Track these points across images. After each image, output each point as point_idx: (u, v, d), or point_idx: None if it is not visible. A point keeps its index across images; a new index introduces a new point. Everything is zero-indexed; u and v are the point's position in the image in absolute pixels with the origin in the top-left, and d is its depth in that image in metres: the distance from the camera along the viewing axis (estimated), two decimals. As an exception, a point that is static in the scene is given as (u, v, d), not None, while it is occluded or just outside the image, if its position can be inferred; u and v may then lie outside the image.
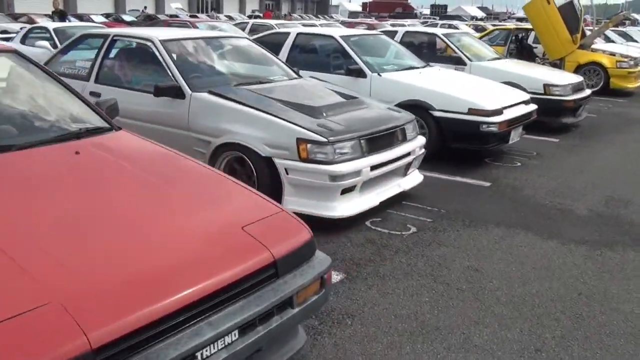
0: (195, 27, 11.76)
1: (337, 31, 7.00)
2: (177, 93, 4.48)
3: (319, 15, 53.55)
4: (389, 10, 59.99)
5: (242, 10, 52.90)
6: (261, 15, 43.07)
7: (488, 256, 3.75)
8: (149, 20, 27.94)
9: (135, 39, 5.00)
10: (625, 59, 12.10)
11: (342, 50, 6.57)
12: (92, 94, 5.02)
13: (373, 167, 4.17)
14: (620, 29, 22.15)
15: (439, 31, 8.76)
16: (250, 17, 37.70)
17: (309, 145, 3.94)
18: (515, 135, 6.27)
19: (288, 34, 7.16)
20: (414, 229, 4.18)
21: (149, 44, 4.80)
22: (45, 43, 8.96)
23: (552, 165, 6.19)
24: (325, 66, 6.68)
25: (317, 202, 4.04)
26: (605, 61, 12.05)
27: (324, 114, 4.29)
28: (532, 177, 5.72)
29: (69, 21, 13.71)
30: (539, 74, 8.05)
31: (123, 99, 4.76)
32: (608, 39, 17.19)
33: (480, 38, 13.83)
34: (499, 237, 4.08)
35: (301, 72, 6.29)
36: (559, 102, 7.69)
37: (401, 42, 8.90)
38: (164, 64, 4.64)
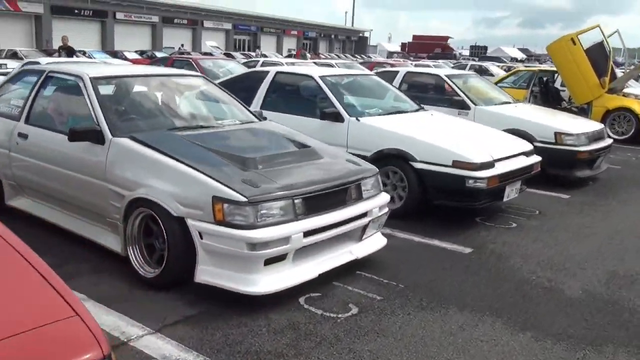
0: (198, 65, 11.39)
1: (317, 71, 6.39)
2: (97, 137, 3.91)
3: (356, 55, 53.59)
4: (428, 51, 59.69)
5: (279, 49, 53.50)
6: (294, 54, 43.30)
7: (434, 355, 2.96)
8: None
9: (68, 76, 4.49)
10: (659, 105, 11.10)
11: (320, 91, 5.95)
12: (20, 135, 4.54)
13: (308, 233, 3.47)
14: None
15: (442, 72, 8.07)
16: (288, 56, 37.76)
17: (225, 205, 3.28)
18: (511, 192, 5.46)
19: (267, 72, 6.60)
20: (355, 310, 3.42)
21: (78, 81, 4.29)
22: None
23: (553, 227, 5.33)
24: (300, 108, 6.07)
25: (236, 273, 3.35)
26: (636, 107, 11.07)
27: (258, 167, 3.63)
28: (525, 242, 4.89)
29: (77, 57, 13.62)
30: (551, 120, 7.23)
31: (46, 141, 4.35)
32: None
33: (501, 80, 13.09)
34: (457, 327, 3.28)
35: (277, 115, 5.74)
36: (571, 153, 6.83)
37: (402, 84, 8.28)
38: (88, 103, 4.10)
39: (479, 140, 5.63)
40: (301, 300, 3.51)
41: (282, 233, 3.32)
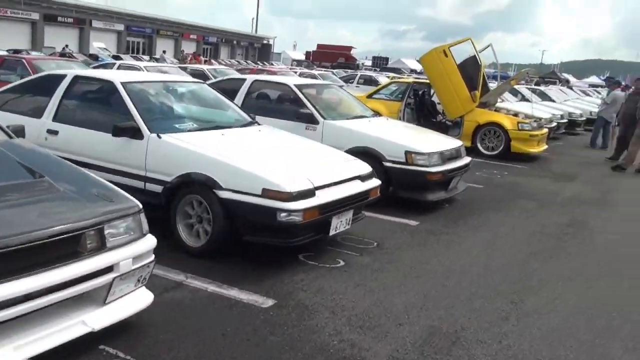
0: (31, 65, 9.89)
1: (121, 75, 5.28)
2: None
3: (259, 62, 52.56)
4: (332, 60, 59.83)
5: (177, 53, 51.35)
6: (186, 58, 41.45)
7: None
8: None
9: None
10: (527, 121, 10.96)
11: (120, 100, 4.87)
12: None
13: (-9, 308, 2.41)
14: (539, 87, 21.69)
15: (291, 81, 7.22)
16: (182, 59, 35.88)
17: None
18: (340, 224, 4.66)
19: (64, 76, 5.41)
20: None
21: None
22: None
23: (385, 265, 4.58)
24: (94, 121, 4.96)
25: None
26: (506, 122, 10.87)
27: None
28: (345, 287, 4.07)
29: None
30: (403, 138, 6.57)
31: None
32: (524, 98, 16.38)
33: (376, 92, 12.58)
34: None
35: (68, 129, 4.64)
36: (422, 174, 6.20)
37: (249, 94, 7.38)
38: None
39: (303, 162, 4.78)
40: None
41: None
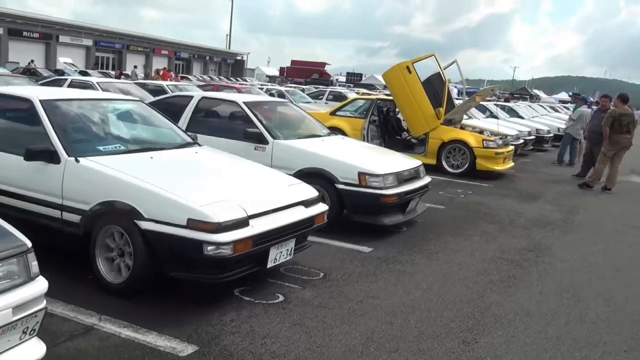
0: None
1: (43, 92, 4.82)
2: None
3: (232, 78, 52.20)
4: (306, 76, 59.71)
5: (146, 68, 50.68)
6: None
7: None
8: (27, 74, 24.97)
9: None
10: (493, 138, 10.73)
11: (37, 119, 4.41)
12: None
13: None
14: (507, 104, 21.67)
15: (240, 98, 6.83)
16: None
17: None
18: (280, 255, 4.25)
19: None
20: None
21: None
22: None
23: (327, 301, 4.16)
24: (7, 142, 4.49)
25: None
26: (471, 139, 10.61)
27: None
28: (278, 329, 3.65)
29: None
30: (357, 158, 6.20)
31: None
32: (492, 114, 16.24)
33: (339, 109, 12.27)
34: None
35: None
36: (376, 197, 5.83)
37: (196, 112, 6.97)
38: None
39: (239, 188, 4.37)
40: None
41: None
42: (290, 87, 27.10)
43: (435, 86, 11.24)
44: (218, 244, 3.68)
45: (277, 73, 69.73)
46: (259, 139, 6.30)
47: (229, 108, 6.93)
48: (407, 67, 10.74)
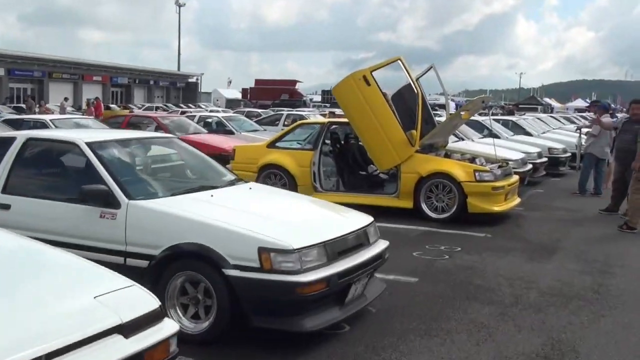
0: None
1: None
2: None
3: (182, 105, 50.79)
4: (274, 97, 58.59)
5: (77, 100, 49.18)
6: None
7: None
8: None
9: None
10: (488, 168, 9.22)
11: None
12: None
13: None
14: (510, 117, 20.35)
15: (83, 138, 5.16)
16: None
17: None
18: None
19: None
20: None
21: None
22: None
23: None
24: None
25: None
26: (458, 171, 9.08)
27: None
28: None
29: None
30: (261, 223, 4.55)
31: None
32: (491, 133, 14.85)
33: (278, 140, 10.71)
34: None
35: None
36: (287, 288, 4.17)
37: (23, 158, 5.37)
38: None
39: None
40: None
41: None
42: (230, 112, 25.54)
43: (409, 102, 9.79)
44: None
45: (239, 95, 68.64)
46: (106, 200, 4.65)
47: (66, 153, 5.31)
48: (364, 77, 9.25)
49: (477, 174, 9.00)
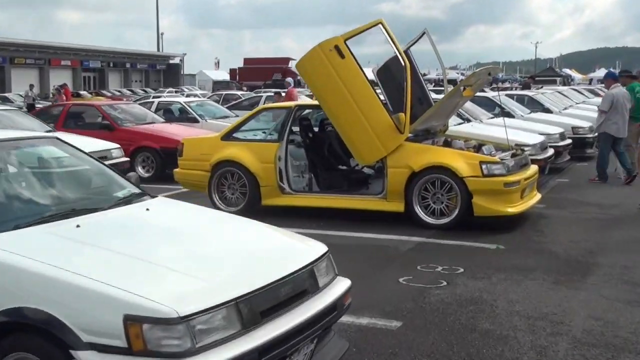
0: None
1: None
2: None
3: (162, 89, 49.69)
4: (265, 78, 57.13)
5: (44, 86, 47.95)
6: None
7: None
8: None
9: None
10: (497, 158, 7.82)
11: None
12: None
13: None
14: (526, 92, 18.90)
15: None
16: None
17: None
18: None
19: None
20: None
21: None
22: None
23: None
24: None
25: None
26: (459, 164, 7.69)
27: None
28: None
29: None
30: (133, 272, 3.17)
31: None
32: (504, 111, 13.43)
33: (234, 130, 9.30)
34: None
35: None
36: None
37: None
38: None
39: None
40: None
41: None
42: (202, 98, 24.02)
43: (398, 78, 8.40)
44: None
45: (227, 77, 67.46)
46: None
47: None
48: (336, 48, 7.84)
49: (484, 166, 7.61)
